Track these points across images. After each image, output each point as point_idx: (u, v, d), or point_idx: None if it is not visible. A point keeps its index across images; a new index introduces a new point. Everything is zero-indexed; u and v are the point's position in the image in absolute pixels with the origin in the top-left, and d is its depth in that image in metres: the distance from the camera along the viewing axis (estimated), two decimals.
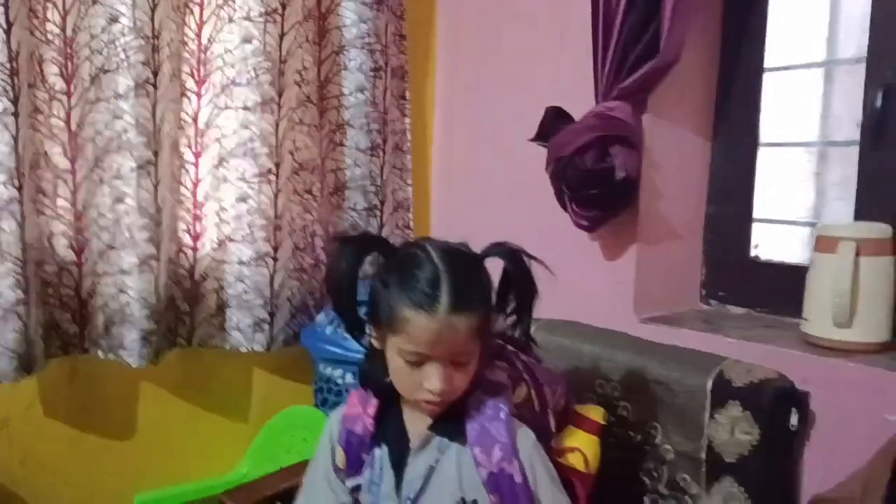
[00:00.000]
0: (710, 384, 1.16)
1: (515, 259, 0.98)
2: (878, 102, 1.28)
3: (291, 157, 1.66)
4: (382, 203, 1.86)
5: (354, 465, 1.01)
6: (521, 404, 1.05)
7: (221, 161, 1.59)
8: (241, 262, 1.61)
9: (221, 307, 1.63)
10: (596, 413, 1.14)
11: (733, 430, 1.13)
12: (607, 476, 1.21)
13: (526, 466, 0.96)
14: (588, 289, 1.56)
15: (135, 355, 1.47)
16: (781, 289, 1.44)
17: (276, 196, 1.62)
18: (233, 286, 1.62)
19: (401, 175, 1.90)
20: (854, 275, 1.17)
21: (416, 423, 1.00)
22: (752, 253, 1.52)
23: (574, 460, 1.08)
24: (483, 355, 0.98)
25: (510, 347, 1.10)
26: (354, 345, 1.51)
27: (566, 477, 1.04)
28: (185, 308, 1.61)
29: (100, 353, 1.49)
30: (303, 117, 1.68)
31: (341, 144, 1.79)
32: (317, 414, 1.66)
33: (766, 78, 1.47)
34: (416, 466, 0.98)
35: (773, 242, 1.52)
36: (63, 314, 1.46)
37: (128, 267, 1.44)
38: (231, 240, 1.61)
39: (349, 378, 1.59)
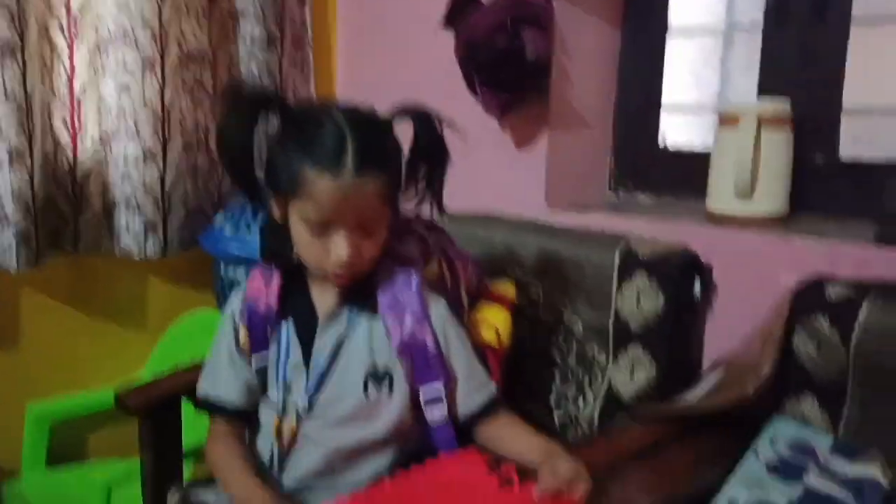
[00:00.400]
0: (616, 258, 1.17)
1: (425, 121, 0.95)
2: None
3: (178, 47, 1.53)
4: None
5: (259, 344, 0.97)
6: (433, 280, 1.03)
7: (98, 48, 1.45)
8: (126, 161, 1.49)
9: (108, 210, 1.51)
10: (508, 289, 1.15)
11: (639, 300, 1.15)
12: (519, 355, 1.22)
13: (438, 334, 0.95)
14: (499, 179, 1.54)
15: (12, 258, 1.34)
16: (688, 176, 1.45)
17: (161, 88, 1.50)
18: (119, 187, 1.50)
19: (301, 71, 1.80)
20: (755, 149, 1.19)
21: (323, 298, 0.96)
22: (660, 141, 1.52)
23: (487, 335, 1.09)
24: (393, 225, 0.94)
25: (420, 225, 1.07)
26: (257, 242, 1.45)
27: (479, 350, 1.03)
28: (67, 211, 1.48)
29: None
30: (188, 3, 1.54)
31: (234, 35, 1.67)
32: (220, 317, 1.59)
33: None
34: (324, 339, 0.94)
35: (680, 131, 1.53)
36: None
37: None
38: (114, 136, 1.48)
39: None
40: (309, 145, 0.86)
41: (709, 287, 1.18)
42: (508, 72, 1.31)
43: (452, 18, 1.38)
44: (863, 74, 1.25)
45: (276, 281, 0.96)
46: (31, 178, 1.36)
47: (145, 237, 1.52)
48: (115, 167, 1.49)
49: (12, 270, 1.36)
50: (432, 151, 0.96)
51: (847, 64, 1.24)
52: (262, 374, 0.98)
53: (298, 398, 0.93)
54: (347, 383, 0.93)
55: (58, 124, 1.45)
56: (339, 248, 0.87)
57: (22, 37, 1.32)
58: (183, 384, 1.15)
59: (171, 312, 1.68)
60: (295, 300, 0.97)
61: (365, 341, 0.94)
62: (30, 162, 1.35)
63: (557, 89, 1.45)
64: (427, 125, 0.95)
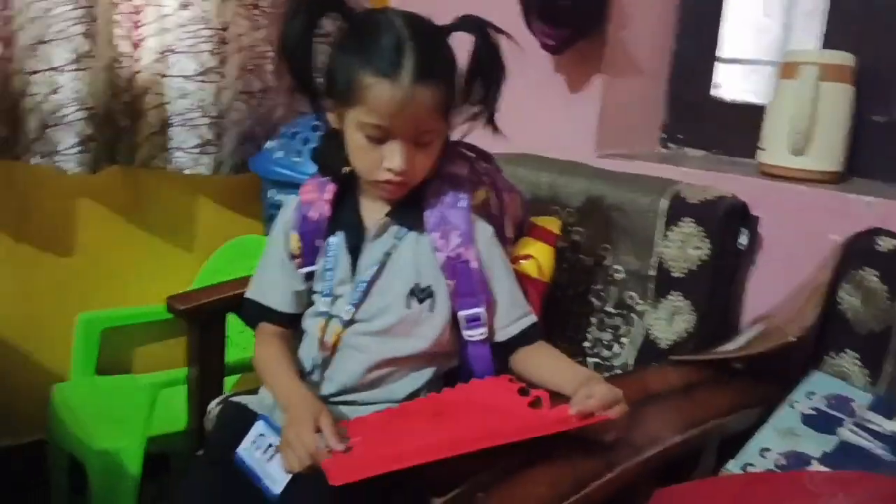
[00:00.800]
0: (665, 203, 1.17)
1: (484, 32, 0.93)
2: None
3: None
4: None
5: (309, 251, 0.99)
6: (479, 206, 1.04)
7: None
8: (184, 77, 1.51)
9: (164, 125, 1.54)
10: (552, 224, 1.14)
11: (684, 246, 1.14)
12: (557, 297, 1.23)
13: (483, 255, 0.96)
14: (548, 121, 1.53)
15: (72, 161, 1.39)
16: (743, 129, 1.42)
17: (221, 5, 1.51)
18: (175, 102, 1.53)
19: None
20: (814, 101, 1.17)
21: (372, 211, 0.98)
22: (714, 93, 1.50)
23: (528, 267, 1.09)
24: (446, 141, 0.95)
25: (469, 149, 1.07)
26: (307, 167, 1.48)
27: (520, 283, 1.04)
28: (124, 123, 1.52)
29: (34, 159, 1.40)
30: None
31: None
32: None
33: None
34: (371, 253, 0.96)
35: (736, 83, 1.50)
36: None
37: (61, 63, 1.33)
38: (173, 51, 1.50)
39: None
40: (368, 50, 0.86)
41: (755, 239, 1.18)
42: (565, 2, 1.29)
43: None
44: None
45: (329, 190, 0.98)
46: (93, 84, 1.39)
47: (198, 154, 1.56)
48: (172, 82, 1.51)
49: (69, 171, 1.40)
50: (490, 66, 0.95)
51: None
52: (309, 281, 1.00)
53: (343, 308, 0.95)
54: (391, 296, 0.94)
55: (119, 34, 1.47)
56: (395, 157, 0.87)
57: None
58: (230, 298, 1.19)
59: (218, 235, 1.72)
60: (345, 213, 0.98)
61: (410, 257, 0.95)
62: (92, 68, 1.38)
63: (614, 31, 1.42)
64: (485, 36, 0.93)
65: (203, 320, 1.19)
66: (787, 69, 1.21)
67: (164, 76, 1.51)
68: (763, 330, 1.07)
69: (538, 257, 1.10)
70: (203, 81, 1.52)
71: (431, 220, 0.95)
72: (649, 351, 1.17)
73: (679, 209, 1.15)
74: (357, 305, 0.95)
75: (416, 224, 0.96)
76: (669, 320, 1.16)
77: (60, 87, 1.35)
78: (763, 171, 1.26)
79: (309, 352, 0.99)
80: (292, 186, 1.52)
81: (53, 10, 1.32)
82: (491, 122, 0.98)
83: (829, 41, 1.30)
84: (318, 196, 0.98)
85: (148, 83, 1.51)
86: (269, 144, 1.61)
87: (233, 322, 1.22)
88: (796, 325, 0.93)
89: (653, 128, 1.57)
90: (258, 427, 0.91)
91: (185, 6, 1.48)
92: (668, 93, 1.56)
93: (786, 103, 1.20)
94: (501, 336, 0.98)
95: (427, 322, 0.95)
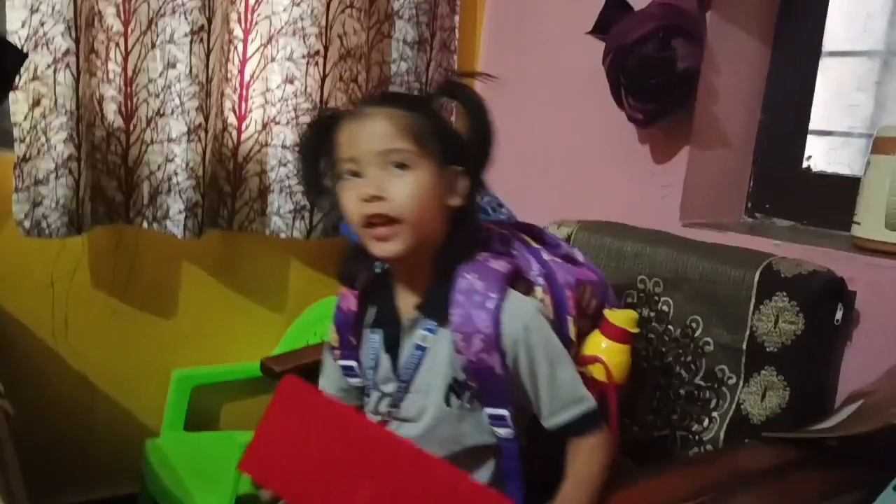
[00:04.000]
0: (757, 275, 1.16)
1: (463, 96, 0.91)
2: None
3: (340, 42, 1.64)
4: None
5: (345, 345, 1.00)
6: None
7: (271, 39, 1.57)
8: (284, 146, 1.61)
9: (263, 191, 1.63)
10: (628, 320, 1.02)
11: (777, 321, 1.13)
12: (643, 370, 1.22)
13: (519, 358, 0.89)
14: (633, 192, 1.55)
15: (179, 227, 1.48)
16: (833, 201, 1.41)
17: (322, 80, 1.61)
18: (275, 170, 1.62)
19: (446, 74, 1.87)
20: None
21: (407, 302, 0.95)
22: (804, 165, 1.49)
23: (595, 371, 0.99)
24: (438, 172, 0.88)
25: (532, 244, 1.03)
26: None
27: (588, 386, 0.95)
28: (227, 189, 1.62)
29: (144, 223, 1.51)
30: (353, 0, 1.64)
31: (388, 36, 1.76)
32: None
33: None
34: (409, 348, 0.94)
35: (826, 155, 1.49)
36: (110, 181, 1.47)
37: (176, 135, 1.44)
38: (276, 122, 1.60)
39: None
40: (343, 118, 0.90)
41: (850, 315, 1.15)
42: (656, 81, 1.32)
43: (603, 25, 1.41)
44: None
45: (359, 285, 0.98)
46: (203, 154, 1.49)
47: (293, 219, 1.64)
48: (273, 152, 1.61)
49: (179, 237, 1.50)
50: (474, 127, 0.90)
51: None
52: (351, 375, 1.00)
53: (384, 405, 0.95)
54: (430, 394, 0.91)
55: (227, 106, 1.58)
56: (365, 183, 0.85)
57: (209, 23, 1.46)
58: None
59: (307, 297, 1.78)
60: (383, 305, 0.97)
61: (446, 353, 0.91)
62: (204, 137, 1.49)
63: (703, 104, 1.44)
64: (467, 103, 0.90)
65: None
66: (883, 144, 1.20)
67: (266, 146, 1.61)
68: (860, 406, 1.04)
69: (608, 360, 0.99)
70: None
71: (456, 319, 0.88)
72: (740, 426, 1.14)
73: (772, 283, 1.14)
74: (397, 405, 0.93)
75: (443, 320, 0.90)
76: (761, 395, 1.13)
77: (174, 157, 1.45)
78: (857, 244, 1.24)
79: None
80: None
81: (173, 85, 1.43)
82: (478, 182, 0.93)
83: None
84: (349, 290, 0.99)
85: (250, 152, 1.61)
86: None
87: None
88: None
89: (739, 197, 1.57)
90: None
91: (289, 81, 1.58)
92: (756, 162, 1.56)
93: (881, 178, 1.19)
94: (547, 424, 0.91)
95: (468, 416, 0.91)
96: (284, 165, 1.61)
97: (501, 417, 0.89)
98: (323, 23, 1.58)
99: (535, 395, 0.90)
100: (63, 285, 1.53)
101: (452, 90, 0.92)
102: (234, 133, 1.60)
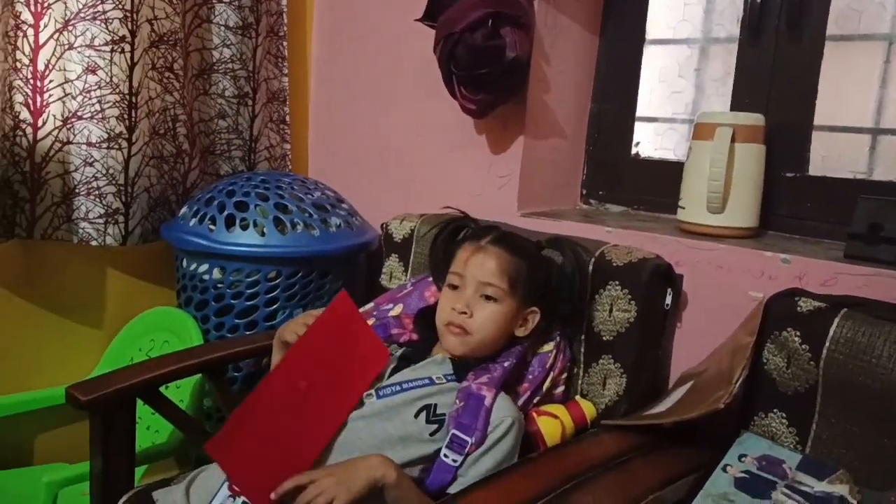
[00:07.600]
0: (591, 266, 1.16)
1: (568, 250, 1.13)
2: None
3: (150, 27, 1.48)
4: (255, 91, 1.72)
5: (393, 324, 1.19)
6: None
7: (67, 24, 1.39)
8: (90, 143, 1.43)
9: (68, 195, 1.45)
10: (590, 410, 1.14)
11: (612, 309, 1.14)
12: None
13: (494, 423, 0.98)
14: (471, 182, 1.53)
15: None
16: (660, 186, 1.46)
17: (131, 69, 1.45)
18: (81, 170, 1.44)
19: (276, 62, 1.76)
20: (729, 161, 1.20)
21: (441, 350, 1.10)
22: (633, 151, 1.53)
23: (546, 425, 1.10)
24: (517, 308, 1.07)
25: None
26: (222, 236, 1.41)
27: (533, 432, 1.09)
28: (23, 194, 1.42)
29: None
30: None
31: (208, 20, 1.62)
32: (181, 315, 1.51)
33: None
34: (423, 367, 1.07)
35: (653, 141, 1.53)
36: None
37: None
38: (78, 117, 1.42)
39: (216, 274, 1.45)
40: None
41: (679, 299, 1.18)
42: (487, 69, 1.29)
43: (432, 12, 1.37)
44: (834, 93, 1.26)
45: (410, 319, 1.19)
46: None
47: (106, 224, 1.47)
48: (76, 150, 1.43)
49: None
50: (572, 279, 1.12)
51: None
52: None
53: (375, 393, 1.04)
54: (408, 402, 1.01)
55: (18, 100, 1.39)
56: (459, 299, 1.06)
57: None
58: (138, 381, 1.11)
59: (129, 309, 1.62)
60: (420, 346, 1.13)
61: (446, 396, 1.02)
62: None
63: (535, 94, 1.44)
64: (571, 255, 1.12)
65: (108, 410, 1.09)
66: (702, 130, 1.24)
67: (68, 143, 1.43)
68: (692, 386, 1.07)
69: (566, 426, 1.10)
70: (110, 148, 1.44)
71: (462, 392, 1.01)
72: None
73: (605, 272, 1.15)
74: (382, 397, 1.02)
75: (462, 378, 1.04)
76: (602, 384, 1.14)
77: None
78: (682, 228, 1.28)
79: None
80: (207, 256, 1.45)
81: None
82: (549, 319, 1.12)
83: (738, 99, 1.35)
84: (407, 328, 1.17)
85: (50, 151, 1.42)
86: (182, 211, 1.53)
87: (143, 405, 1.14)
88: (723, 388, 0.93)
89: (574, 184, 1.59)
90: None
91: (91, 71, 1.41)
92: (588, 150, 1.58)
93: (702, 164, 1.22)
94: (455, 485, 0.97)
95: (425, 440, 0.98)
96: (91, 165, 1.44)
97: (463, 444, 0.96)
98: (128, 6, 1.42)
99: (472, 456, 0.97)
100: None
101: (561, 246, 1.14)
102: (29, 130, 1.40)
